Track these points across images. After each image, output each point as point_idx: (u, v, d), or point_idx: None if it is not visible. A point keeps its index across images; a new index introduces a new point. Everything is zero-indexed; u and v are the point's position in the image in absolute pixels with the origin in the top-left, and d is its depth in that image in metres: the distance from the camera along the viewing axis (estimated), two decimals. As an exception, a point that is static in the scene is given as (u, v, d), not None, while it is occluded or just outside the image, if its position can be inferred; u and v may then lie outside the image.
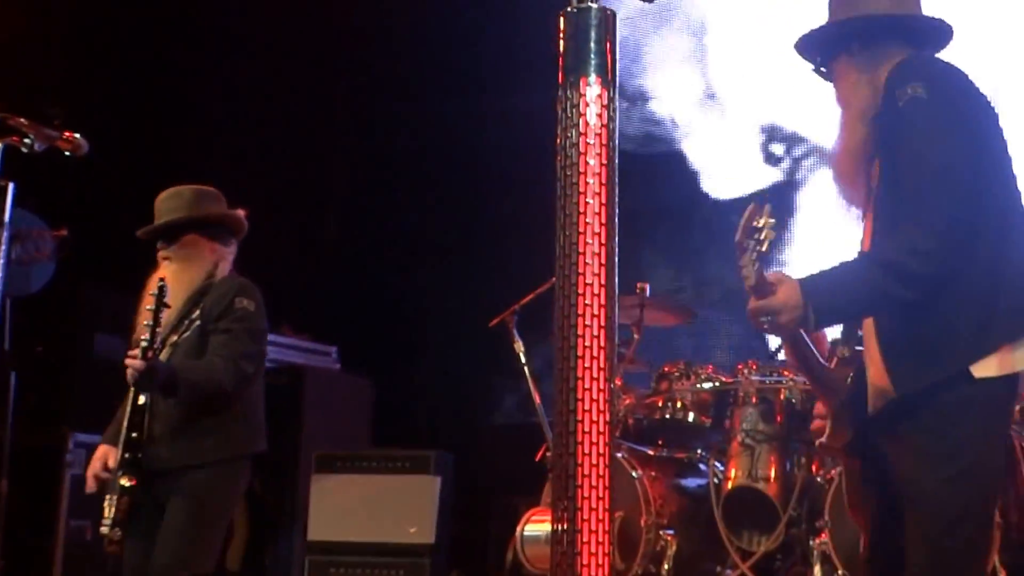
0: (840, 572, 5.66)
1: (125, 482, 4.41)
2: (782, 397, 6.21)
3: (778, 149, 8.87)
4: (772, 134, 8.90)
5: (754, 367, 6.32)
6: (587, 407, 3.60)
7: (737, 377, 6.34)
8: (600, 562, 3.92)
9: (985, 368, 3.01)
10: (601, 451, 3.71)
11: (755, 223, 3.06)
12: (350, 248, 9.66)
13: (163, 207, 4.79)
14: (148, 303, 4.52)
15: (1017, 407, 5.82)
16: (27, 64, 8.18)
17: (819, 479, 6.07)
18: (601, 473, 3.75)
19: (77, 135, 4.38)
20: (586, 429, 3.61)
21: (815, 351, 3.31)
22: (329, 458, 7.22)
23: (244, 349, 4.60)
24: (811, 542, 5.85)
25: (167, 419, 4.52)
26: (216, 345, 4.58)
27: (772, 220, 3.03)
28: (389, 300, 9.34)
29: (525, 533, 6.24)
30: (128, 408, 4.49)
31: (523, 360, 6.81)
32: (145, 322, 4.42)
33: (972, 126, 3.09)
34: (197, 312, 4.64)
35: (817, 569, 5.78)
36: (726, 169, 9.09)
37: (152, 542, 4.51)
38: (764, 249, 3.03)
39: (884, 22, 3.31)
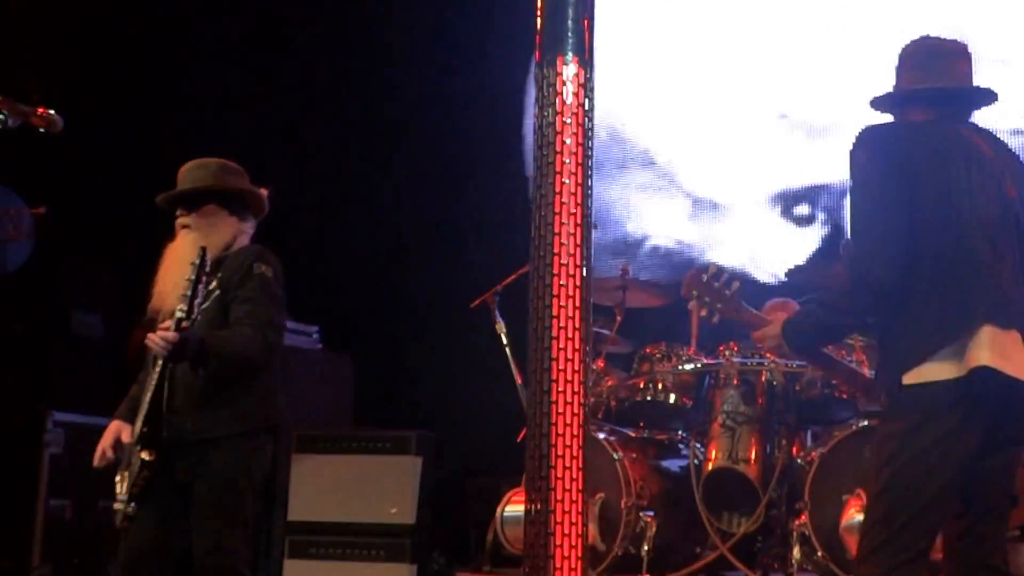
0: (819, 553, 5.69)
1: (146, 456, 4.35)
2: (763, 379, 6.22)
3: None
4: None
5: (735, 349, 6.31)
6: (561, 388, 3.60)
7: (718, 359, 6.34)
8: (573, 542, 3.94)
9: (909, 378, 3.60)
10: (575, 432, 3.71)
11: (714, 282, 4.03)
12: (331, 227, 9.66)
13: (187, 175, 4.71)
14: (173, 271, 4.50)
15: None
16: (3, 40, 8.14)
17: (799, 461, 6.12)
18: (575, 454, 3.76)
19: (52, 112, 4.24)
20: (560, 410, 3.62)
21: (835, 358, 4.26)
22: (310, 438, 7.22)
23: (268, 317, 4.51)
24: (790, 524, 5.88)
25: (189, 391, 4.44)
26: (241, 314, 4.49)
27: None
28: (371, 280, 9.33)
29: (505, 514, 6.28)
30: (152, 381, 4.39)
31: (504, 341, 6.84)
32: (182, 292, 4.32)
33: (897, 188, 3.66)
34: (215, 282, 4.53)
35: (796, 550, 5.81)
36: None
37: (164, 521, 4.46)
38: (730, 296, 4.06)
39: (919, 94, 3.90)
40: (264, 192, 4.81)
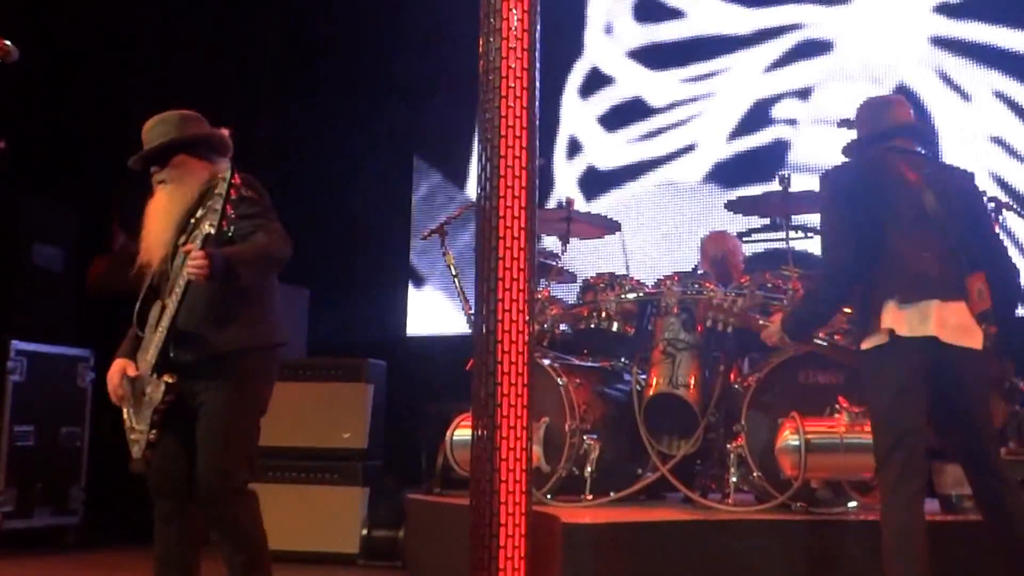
0: (755, 474, 5.78)
1: (168, 379, 4.49)
2: (703, 307, 6.18)
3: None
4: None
5: (676, 279, 6.37)
6: (507, 311, 3.72)
7: (660, 288, 6.37)
8: (518, 462, 4.09)
9: (865, 343, 4.66)
10: (520, 357, 3.85)
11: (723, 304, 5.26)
12: (283, 157, 9.71)
13: (150, 135, 4.76)
14: (156, 225, 4.64)
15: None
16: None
17: (736, 386, 6.18)
18: (520, 378, 3.90)
19: (7, 41, 4.15)
20: (505, 333, 3.74)
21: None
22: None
23: (273, 223, 4.65)
24: (728, 445, 5.96)
25: (198, 313, 4.56)
26: (245, 232, 4.59)
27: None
28: (325, 210, 9.41)
29: (454, 438, 6.33)
30: (169, 310, 4.52)
31: (453, 272, 6.97)
32: (211, 209, 4.40)
33: (846, 213, 4.74)
34: (200, 213, 4.58)
35: (733, 471, 5.90)
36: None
37: (187, 442, 4.58)
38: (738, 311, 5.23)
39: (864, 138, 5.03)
40: (225, 132, 4.88)
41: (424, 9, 9.80)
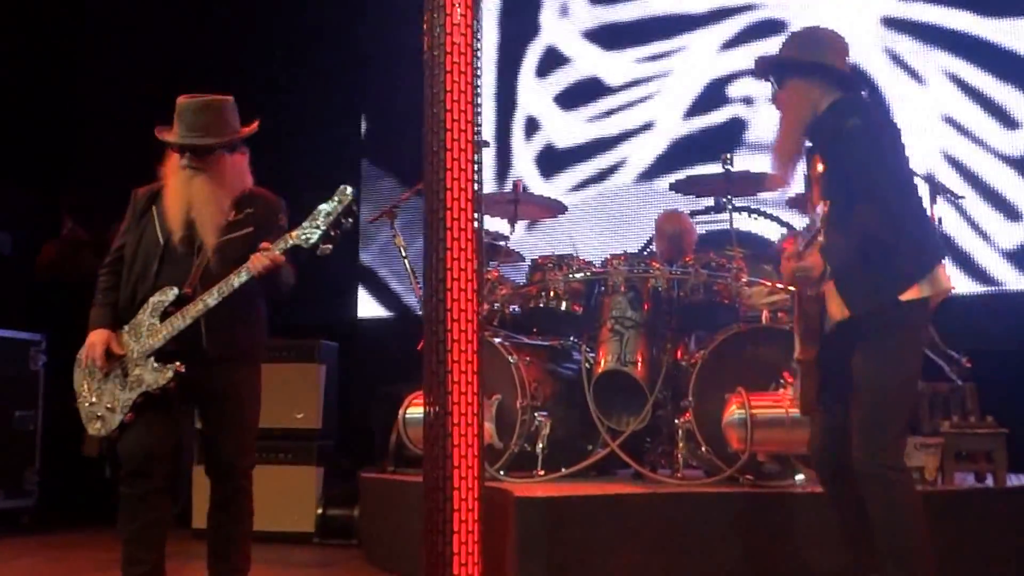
0: (703, 448, 5.90)
1: (180, 368, 4.59)
2: (649, 286, 6.36)
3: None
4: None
5: (623, 259, 6.45)
6: (456, 295, 3.77)
7: (607, 267, 6.45)
8: (471, 441, 4.17)
9: (908, 295, 4.25)
10: (470, 336, 3.91)
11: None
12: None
13: (197, 121, 4.78)
14: (203, 208, 4.70)
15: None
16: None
17: (683, 363, 6.28)
18: (471, 357, 3.96)
19: None
20: (455, 316, 3.80)
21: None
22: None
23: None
24: (676, 421, 6.07)
25: (227, 307, 4.66)
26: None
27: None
28: (275, 188, 9.45)
29: (407, 416, 6.43)
30: (210, 300, 4.60)
31: (403, 254, 7.02)
32: (312, 225, 4.59)
33: (889, 145, 4.34)
34: (242, 217, 4.78)
35: (682, 446, 6.02)
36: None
37: (173, 425, 4.70)
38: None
39: (834, 73, 4.56)
40: (255, 126, 4.96)
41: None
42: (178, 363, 4.60)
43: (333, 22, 9.96)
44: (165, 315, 4.65)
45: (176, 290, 4.66)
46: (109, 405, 4.66)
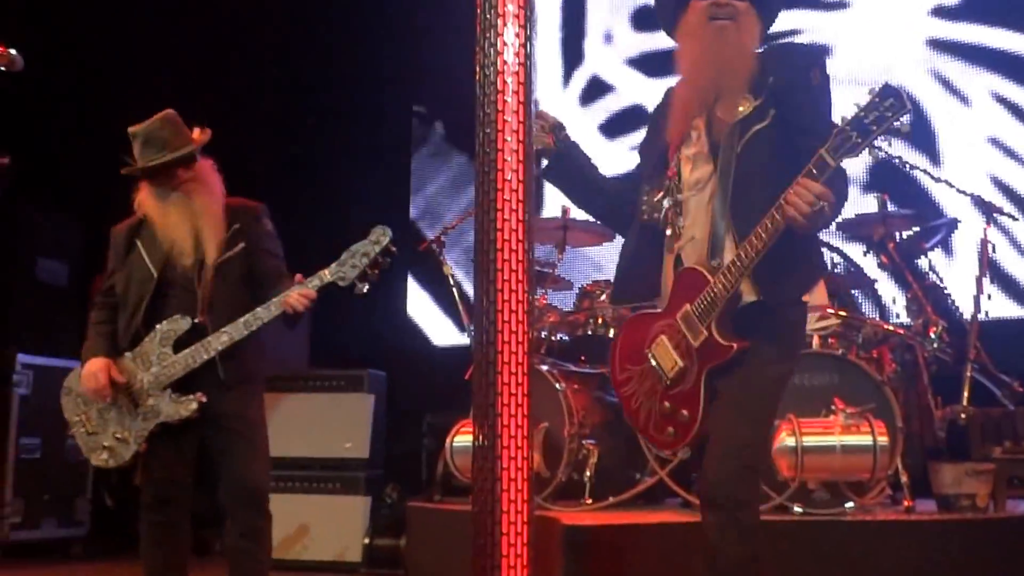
0: None
1: (203, 399, 4.60)
2: None
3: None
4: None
5: None
6: (505, 319, 3.76)
7: None
8: (519, 468, 4.14)
9: (807, 296, 3.91)
10: (519, 363, 3.89)
11: None
12: (280, 165, 9.81)
13: (160, 139, 4.78)
14: (182, 224, 4.72)
15: (920, 320, 6.14)
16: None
17: None
18: (520, 384, 3.94)
19: (12, 50, 4.15)
20: (505, 338, 3.78)
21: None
22: (269, 378, 7.40)
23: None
24: None
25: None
26: (279, 268, 4.86)
27: None
28: (324, 221, 9.45)
29: (454, 444, 6.42)
30: (235, 333, 4.63)
31: (452, 281, 7.02)
32: (349, 264, 4.65)
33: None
34: (231, 234, 4.78)
35: None
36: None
37: (186, 455, 4.74)
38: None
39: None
40: (208, 132, 4.94)
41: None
42: (200, 394, 4.62)
43: (387, 63, 9.99)
44: (178, 344, 4.65)
45: (189, 319, 4.66)
46: (119, 435, 4.66)
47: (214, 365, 4.64)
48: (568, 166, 4.21)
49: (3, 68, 4.19)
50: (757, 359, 3.68)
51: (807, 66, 3.78)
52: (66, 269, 8.57)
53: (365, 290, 4.67)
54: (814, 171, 3.44)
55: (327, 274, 4.64)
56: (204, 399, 4.61)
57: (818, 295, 4.05)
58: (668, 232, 3.90)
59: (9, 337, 7.98)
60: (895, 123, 3.35)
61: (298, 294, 4.60)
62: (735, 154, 3.73)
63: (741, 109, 3.75)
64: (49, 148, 8.83)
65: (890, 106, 3.34)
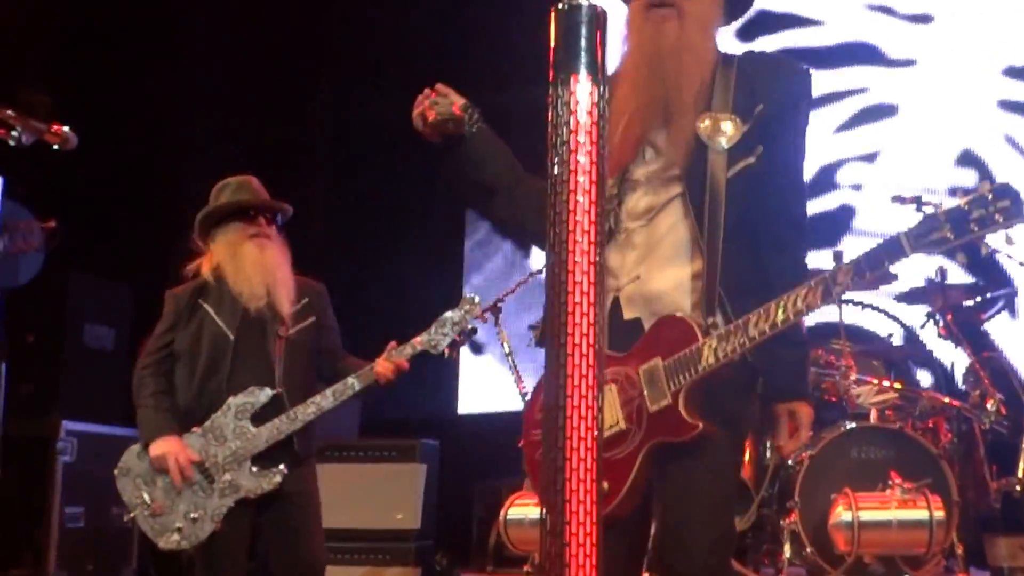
0: (808, 550, 5.81)
1: (285, 469, 4.56)
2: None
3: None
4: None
5: None
6: (576, 403, 3.71)
7: None
8: (588, 552, 4.08)
9: None
10: (589, 445, 3.85)
11: None
12: (332, 232, 9.82)
13: (255, 187, 4.85)
14: (262, 275, 4.71)
15: (976, 392, 6.07)
16: (10, 52, 8.26)
17: (790, 463, 6.21)
18: (589, 466, 3.88)
19: (66, 128, 4.23)
20: (575, 424, 3.73)
21: None
22: (320, 448, 7.36)
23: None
24: (781, 522, 5.98)
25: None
26: (339, 346, 4.93)
27: None
28: (375, 287, 9.45)
29: (508, 516, 6.38)
30: (323, 404, 4.63)
31: (507, 350, 6.95)
32: (440, 332, 4.64)
33: None
34: (302, 307, 4.81)
35: (787, 547, 5.93)
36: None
37: (240, 530, 4.66)
38: None
39: None
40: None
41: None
42: (282, 466, 4.57)
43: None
44: (257, 417, 4.60)
45: (268, 391, 4.62)
46: (194, 515, 4.59)
47: (290, 438, 4.62)
48: (481, 153, 3.47)
49: (58, 146, 4.26)
50: (715, 447, 3.04)
51: (798, 93, 3.26)
52: (113, 334, 8.53)
53: (454, 356, 4.69)
54: (884, 257, 2.89)
55: (418, 342, 4.63)
56: (287, 471, 4.57)
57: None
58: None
59: (54, 403, 7.92)
60: (1002, 229, 2.84)
61: (392, 364, 4.60)
62: (722, 193, 3.10)
63: (729, 132, 3.14)
64: (97, 212, 8.84)
65: (1003, 209, 2.87)
